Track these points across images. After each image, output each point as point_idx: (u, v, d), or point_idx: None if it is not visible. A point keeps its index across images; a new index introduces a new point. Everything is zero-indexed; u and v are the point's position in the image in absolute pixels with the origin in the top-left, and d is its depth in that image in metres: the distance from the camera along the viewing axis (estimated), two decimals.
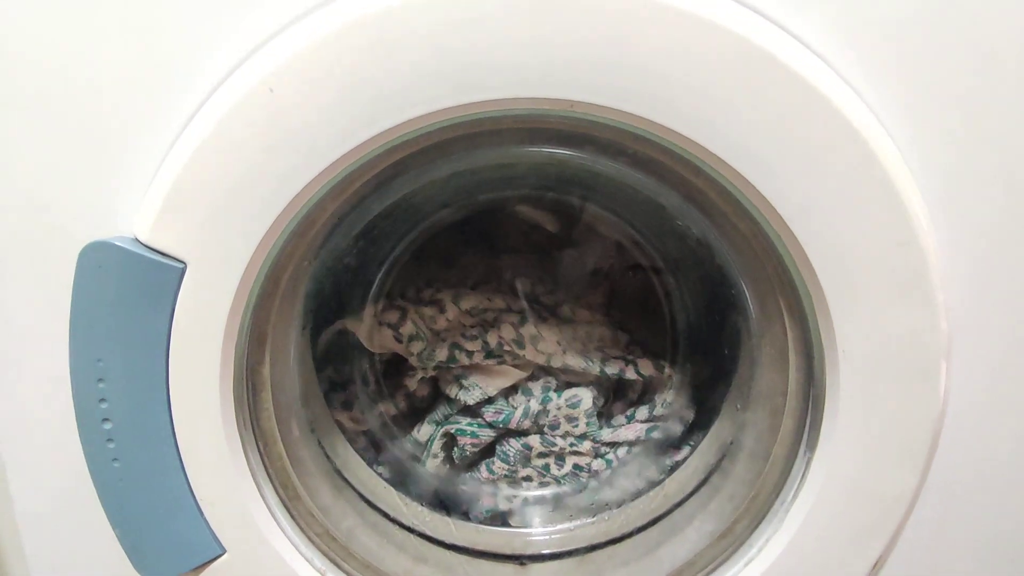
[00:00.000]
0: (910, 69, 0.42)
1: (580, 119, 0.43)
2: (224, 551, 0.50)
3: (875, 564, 0.49)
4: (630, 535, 0.61)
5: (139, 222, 0.44)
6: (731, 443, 0.58)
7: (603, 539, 0.63)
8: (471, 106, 0.40)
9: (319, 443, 0.60)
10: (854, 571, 0.49)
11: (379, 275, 0.67)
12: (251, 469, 0.51)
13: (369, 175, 0.47)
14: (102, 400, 0.46)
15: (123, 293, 0.45)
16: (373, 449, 0.69)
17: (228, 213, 0.44)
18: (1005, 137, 0.43)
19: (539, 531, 0.66)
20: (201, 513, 0.49)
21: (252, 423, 0.51)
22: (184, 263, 0.44)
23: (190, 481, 0.49)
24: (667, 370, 0.65)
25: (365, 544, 0.59)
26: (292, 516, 0.53)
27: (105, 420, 0.47)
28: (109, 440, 0.47)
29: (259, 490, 0.51)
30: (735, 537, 0.54)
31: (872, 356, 0.44)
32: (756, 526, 0.52)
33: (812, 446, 0.49)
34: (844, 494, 0.47)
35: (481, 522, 0.65)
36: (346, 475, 0.63)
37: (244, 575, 0.51)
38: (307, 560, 0.53)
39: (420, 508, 0.66)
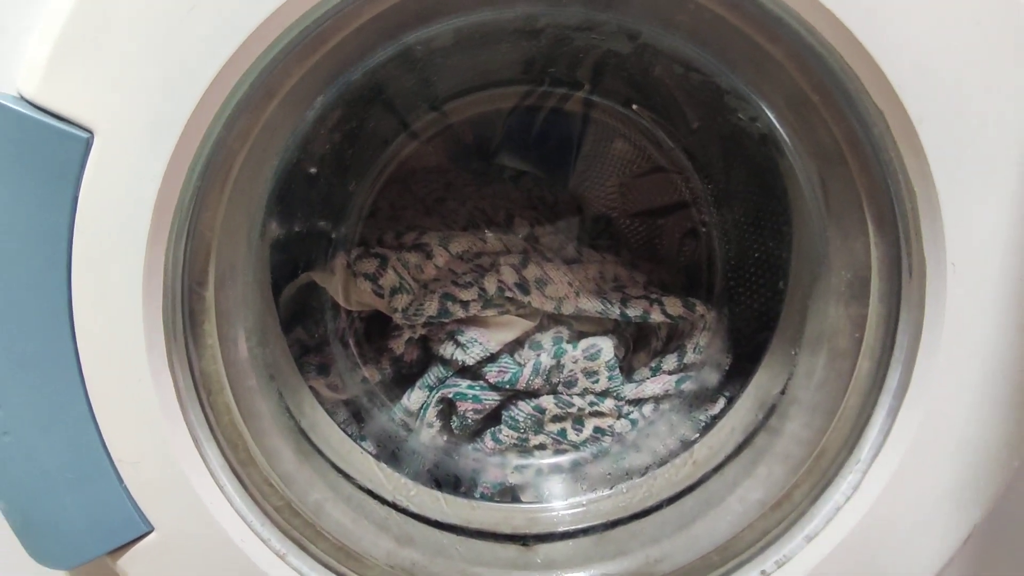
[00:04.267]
0: None
1: None
2: (151, 528, 0.39)
3: (969, 534, 0.40)
4: (657, 508, 0.52)
5: (24, 73, 0.32)
6: (781, 393, 0.49)
7: (623, 514, 0.53)
8: None
9: (280, 396, 0.49)
10: (943, 543, 0.40)
11: (364, 186, 0.55)
12: (188, 422, 0.39)
13: (347, 31, 0.36)
14: None
15: (2, 173, 0.32)
16: (354, 420, 0.58)
17: (151, 62, 0.32)
18: None
19: (545, 506, 0.56)
20: (119, 478, 0.38)
21: (190, 362, 0.40)
22: (90, 131, 0.33)
23: (103, 435, 0.37)
24: (699, 309, 0.55)
25: (337, 521, 0.47)
26: (243, 484, 0.42)
27: None
28: None
29: (198, 449, 0.40)
30: (792, 506, 0.44)
31: (990, 270, 0.35)
32: (820, 493, 0.43)
33: (900, 391, 0.39)
34: (942, 449, 0.38)
35: (485, 499, 0.54)
36: (313, 438, 0.51)
37: (179, 559, 0.39)
38: (262, 540, 0.42)
39: (403, 480, 0.55)
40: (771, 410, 0.50)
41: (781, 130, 0.40)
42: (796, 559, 0.42)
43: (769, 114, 0.40)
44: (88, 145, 0.33)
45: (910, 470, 0.39)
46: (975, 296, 0.36)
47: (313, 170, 0.48)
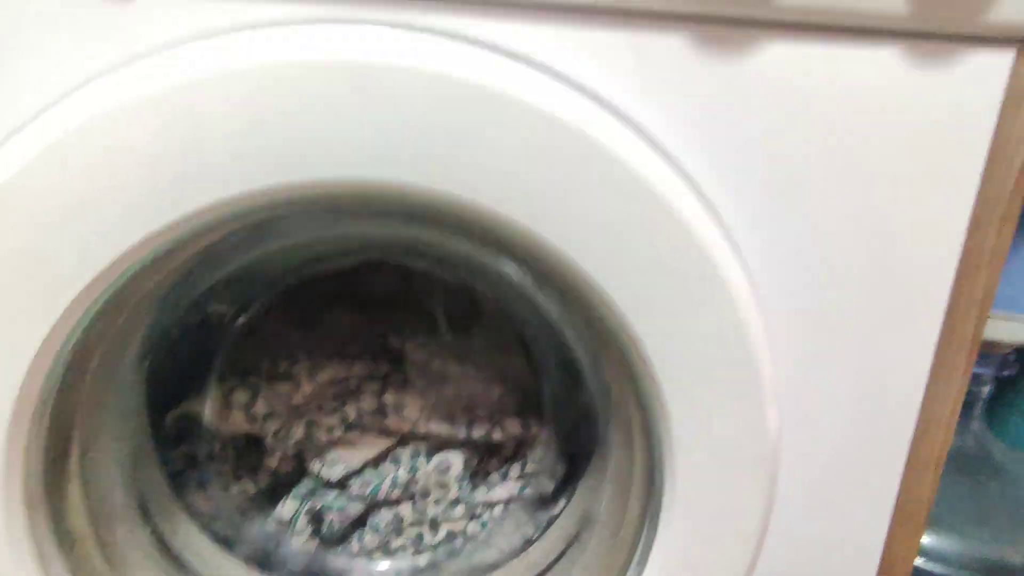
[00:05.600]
0: (754, 175, 0.42)
1: (418, 199, 0.41)
2: None
3: None
4: None
5: None
6: (586, 516, 0.58)
7: None
8: (288, 188, 0.37)
9: (150, 523, 0.55)
10: None
11: (220, 352, 0.62)
12: None
13: (194, 249, 0.43)
14: None
15: None
16: (232, 530, 0.63)
17: (10, 288, 0.38)
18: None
19: None
20: None
21: (54, 521, 0.45)
22: None
23: None
24: (534, 429, 0.64)
25: None
26: None
27: None
28: None
29: None
30: None
31: (704, 451, 0.45)
32: None
33: (654, 527, 0.49)
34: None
35: None
36: (187, 555, 0.57)
37: None
38: None
39: None
40: (583, 526, 0.59)
41: (563, 325, 0.49)
42: None
43: (551, 311, 0.49)
44: None
45: None
46: (698, 464, 0.45)
47: (183, 332, 0.54)
